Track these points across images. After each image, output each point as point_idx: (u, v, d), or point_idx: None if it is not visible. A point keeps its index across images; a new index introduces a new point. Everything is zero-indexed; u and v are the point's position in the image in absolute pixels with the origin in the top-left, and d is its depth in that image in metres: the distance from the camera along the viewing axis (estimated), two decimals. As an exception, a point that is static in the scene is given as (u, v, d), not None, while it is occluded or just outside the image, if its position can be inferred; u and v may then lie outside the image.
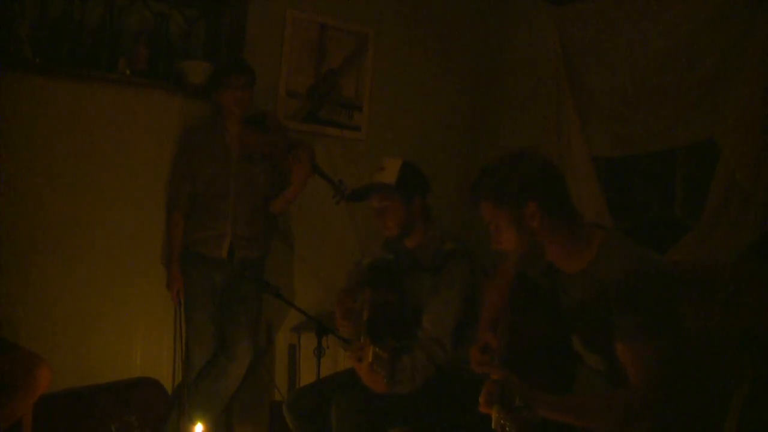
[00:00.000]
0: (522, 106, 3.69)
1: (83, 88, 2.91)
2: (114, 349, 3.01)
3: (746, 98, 2.53)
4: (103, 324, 2.98)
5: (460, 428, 2.21)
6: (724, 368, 1.91)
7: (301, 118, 3.42)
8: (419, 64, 3.75)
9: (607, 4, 3.14)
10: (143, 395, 2.89)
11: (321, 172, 3.01)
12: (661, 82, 2.87)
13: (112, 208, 2.99)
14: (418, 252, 2.44)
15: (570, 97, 3.25)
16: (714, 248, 2.59)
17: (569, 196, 1.76)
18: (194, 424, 2.32)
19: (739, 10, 2.59)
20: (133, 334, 3.06)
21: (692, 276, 2.50)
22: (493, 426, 1.53)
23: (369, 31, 3.58)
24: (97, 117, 2.95)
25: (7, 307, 2.73)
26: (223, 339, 3.01)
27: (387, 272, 2.53)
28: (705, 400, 1.86)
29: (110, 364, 2.97)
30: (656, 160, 3.10)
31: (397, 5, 3.68)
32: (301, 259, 3.45)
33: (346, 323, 2.51)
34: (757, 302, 2.24)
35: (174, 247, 2.97)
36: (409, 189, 2.41)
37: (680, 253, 2.70)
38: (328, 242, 3.49)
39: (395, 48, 3.67)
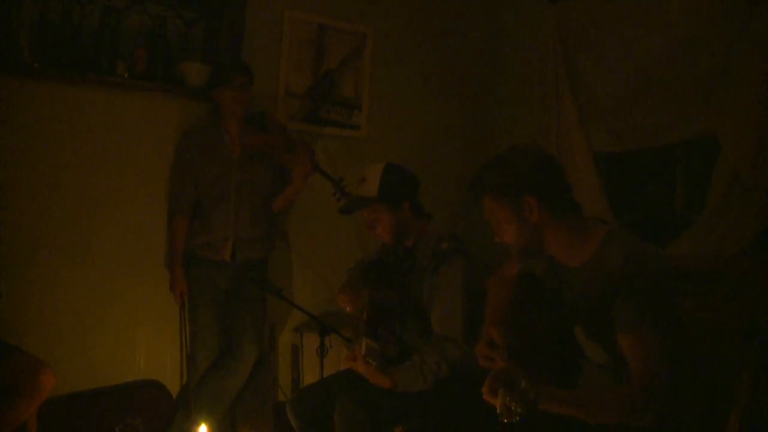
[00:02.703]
0: (521, 102, 3.69)
1: (82, 91, 2.91)
2: (117, 351, 3.01)
3: (746, 93, 2.52)
4: (106, 327, 2.99)
5: (464, 426, 2.21)
6: (726, 361, 1.91)
7: (301, 118, 3.42)
8: (418, 62, 3.75)
9: (606, -1, 3.14)
10: (147, 397, 2.90)
11: (321, 171, 3.01)
12: (660, 77, 2.86)
13: (113, 211, 3.00)
14: (416, 252, 2.44)
15: (569, 93, 3.25)
16: (715, 242, 2.59)
17: (570, 190, 1.76)
18: (198, 425, 2.32)
19: (739, 5, 2.58)
20: (137, 337, 3.06)
21: (694, 270, 2.50)
22: (498, 411, 1.53)
23: (367, 30, 3.58)
24: (97, 120, 2.96)
25: (10, 311, 2.73)
26: (228, 340, 3.01)
27: (385, 272, 2.53)
28: (708, 392, 1.86)
29: (114, 366, 2.98)
30: (657, 155, 3.10)
31: (395, 4, 3.68)
32: (303, 260, 3.45)
33: (347, 299, 2.50)
34: (759, 295, 2.24)
35: (176, 250, 2.97)
36: (393, 196, 2.38)
37: (682, 248, 2.70)
38: (330, 242, 3.49)
39: (394, 47, 3.67)
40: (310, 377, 3.11)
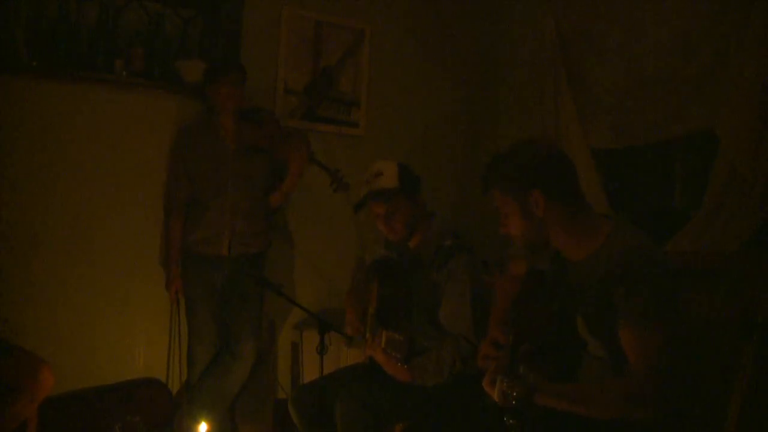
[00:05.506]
0: (520, 98, 3.68)
1: (80, 89, 2.91)
2: (117, 350, 3.01)
3: (744, 88, 2.52)
4: (105, 325, 2.99)
5: (464, 422, 2.21)
6: (725, 356, 1.92)
7: (300, 115, 3.42)
8: (416, 58, 3.74)
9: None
10: (147, 395, 2.90)
11: (317, 161, 3.02)
12: (658, 72, 2.87)
13: (111, 209, 3.00)
14: (419, 250, 2.44)
15: (568, 89, 3.25)
16: (714, 238, 2.59)
17: (577, 185, 1.76)
18: (198, 423, 2.32)
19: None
20: (136, 335, 3.06)
21: (694, 265, 2.50)
22: (496, 399, 1.53)
23: (365, 26, 3.58)
24: (95, 118, 2.95)
25: (9, 310, 2.73)
26: (226, 337, 3.01)
27: (391, 270, 2.53)
28: (706, 387, 1.87)
29: (113, 365, 2.98)
30: (655, 150, 3.10)
31: (393, 0, 3.67)
32: (302, 256, 3.45)
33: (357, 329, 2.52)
34: (758, 291, 2.24)
35: (172, 248, 2.97)
36: (412, 188, 2.42)
37: (681, 244, 2.70)
38: (329, 238, 3.49)
39: (392, 43, 3.67)
40: (310, 375, 3.11)
